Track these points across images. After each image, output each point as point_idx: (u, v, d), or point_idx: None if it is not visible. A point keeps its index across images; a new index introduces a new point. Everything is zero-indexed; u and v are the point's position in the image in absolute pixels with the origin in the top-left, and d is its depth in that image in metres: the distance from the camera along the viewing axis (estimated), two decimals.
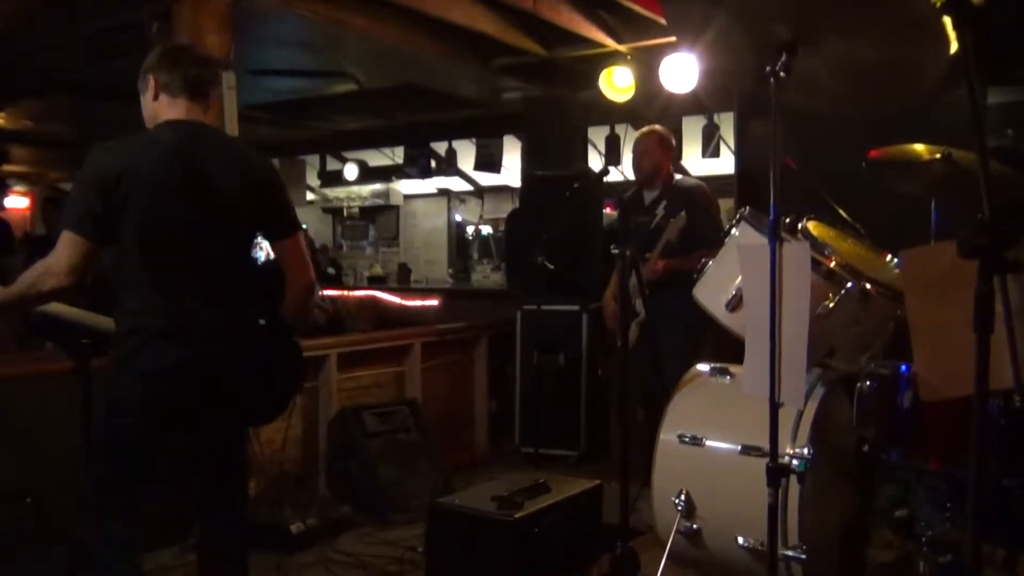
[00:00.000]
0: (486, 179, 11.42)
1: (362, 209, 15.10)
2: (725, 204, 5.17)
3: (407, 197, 14.58)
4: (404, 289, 10.62)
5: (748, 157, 5.25)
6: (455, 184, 13.28)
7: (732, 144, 6.33)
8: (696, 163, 8.54)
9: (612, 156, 7.40)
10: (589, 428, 5.34)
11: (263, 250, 2.75)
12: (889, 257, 3.05)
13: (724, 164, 7.64)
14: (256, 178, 2.52)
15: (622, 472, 2.91)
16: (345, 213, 15.33)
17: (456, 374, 5.54)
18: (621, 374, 3.09)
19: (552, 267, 4.77)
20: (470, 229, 14.58)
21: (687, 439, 2.86)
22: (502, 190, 12.33)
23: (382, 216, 15.25)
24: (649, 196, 4.41)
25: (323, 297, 7.06)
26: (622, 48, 5.54)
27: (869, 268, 2.82)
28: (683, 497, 2.78)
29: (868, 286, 2.68)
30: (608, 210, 6.83)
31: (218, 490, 2.56)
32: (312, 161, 12.02)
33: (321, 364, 4.51)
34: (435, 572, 3.21)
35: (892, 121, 3.25)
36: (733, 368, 3.02)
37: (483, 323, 5.86)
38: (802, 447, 2.60)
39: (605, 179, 5.06)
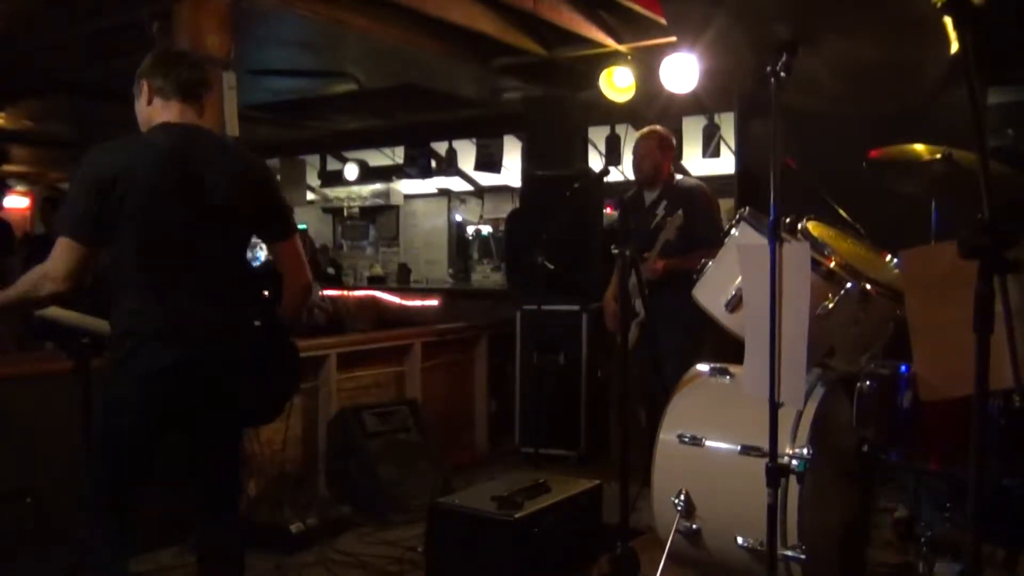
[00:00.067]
0: (486, 179, 11.42)
1: (362, 209, 15.11)
2: (725, 204, 5.17)
3: (407, 197, 14.59)
4: (404, 289, 10.61)
5: (748, 157, 5.26)
6: (455, 184, 13.28)
7: (732, 144, 6.33)
8: (696, 163, 8.54)
9: (612, 156, 7.40)
10: (589, 428, 5.33)
11: (263, 250, 2.75)
12: (889, 257, 3.05)
13: (724, 164, 7.63)
14: (252, 179, 2.52)
15: (622, 472, 2.90)
16: (345, 213, 15.34)
17: (456, 374, 5.54)
18: (621, 374, 3.09)
19: (552, 267, 4.76)
20: (470, 229, 14.58)
21: (687, 439, 2.86)
22: (502, 190, 12.33)
23: (382, 216, 15.26)
24: (649, 196, 4.41)
25: (323, 297, 7.08)
26: (622, 48, 5.54)
27: (869, 268, 2.81)
28: (683, 497, 2.78)
29: (868, 286, 2.68)
30: (608, 210, 6.83)
31: (217, 490, 2.57)
32: (312, 161, 12.01)
33: (321, 364, 4.51)
34: (435, 572, 3.21)
35: (892, 121, 3.26)
36: (733, 368, 3.02)
37: (483, 323, 5.86)
38: (802, 447, 2.60)
39: (605, 179, 5.10)
